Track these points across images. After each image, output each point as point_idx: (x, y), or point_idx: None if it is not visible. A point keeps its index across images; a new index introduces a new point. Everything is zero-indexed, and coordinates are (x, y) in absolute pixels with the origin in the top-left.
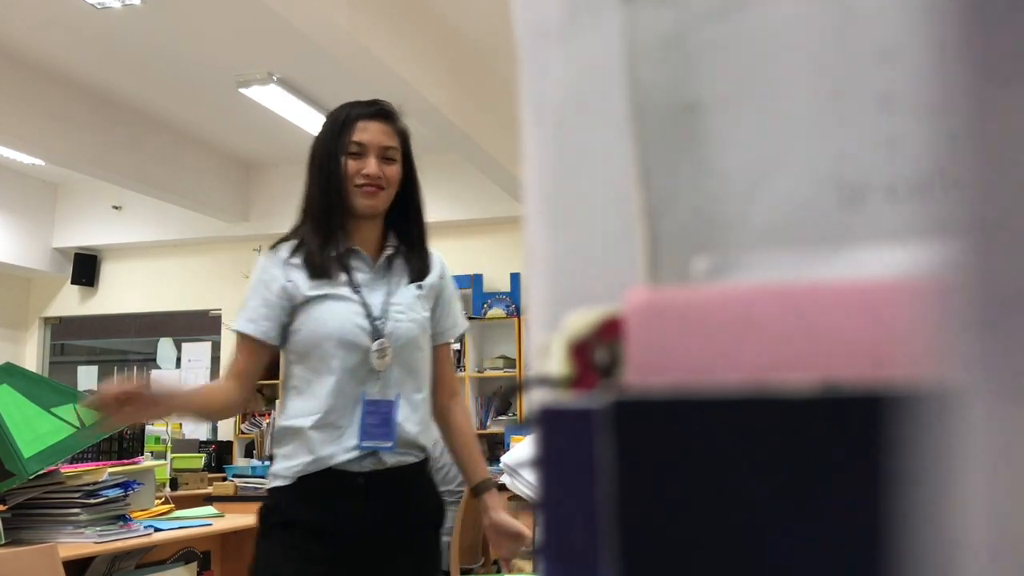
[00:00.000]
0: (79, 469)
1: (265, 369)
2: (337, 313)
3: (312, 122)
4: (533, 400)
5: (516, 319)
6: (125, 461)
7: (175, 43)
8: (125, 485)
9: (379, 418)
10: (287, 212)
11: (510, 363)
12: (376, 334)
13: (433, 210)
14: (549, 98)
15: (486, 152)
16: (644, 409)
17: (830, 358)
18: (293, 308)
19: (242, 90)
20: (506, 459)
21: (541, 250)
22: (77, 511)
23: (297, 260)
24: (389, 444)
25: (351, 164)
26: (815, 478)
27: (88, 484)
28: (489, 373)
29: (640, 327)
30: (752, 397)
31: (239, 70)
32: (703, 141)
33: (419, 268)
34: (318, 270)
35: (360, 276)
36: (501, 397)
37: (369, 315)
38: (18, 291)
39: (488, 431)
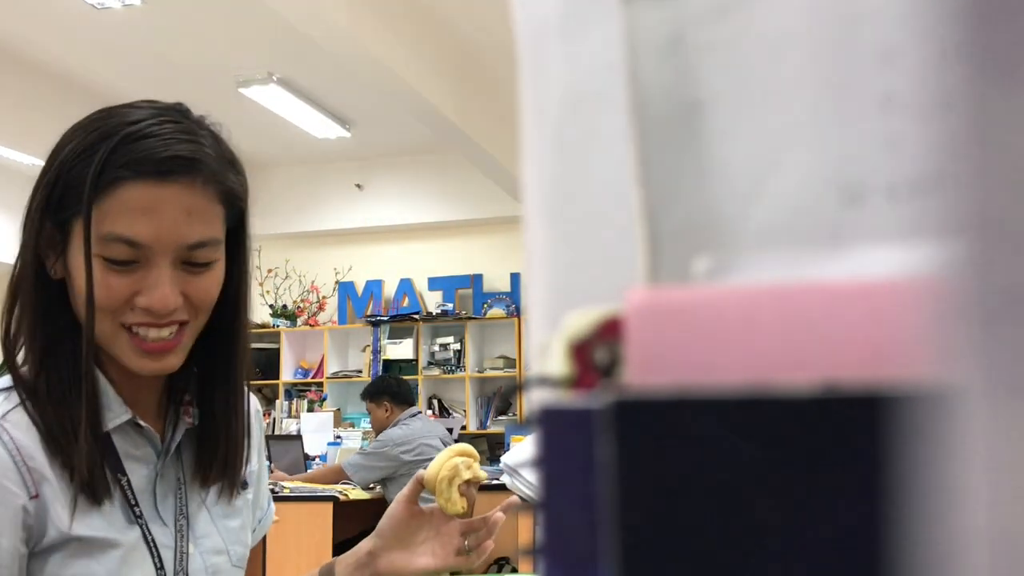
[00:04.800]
0: None
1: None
2: None
3: (312, 122)
4: (533, 400)
5: (516, 319)
6: None
7: (175, 43)
8: None
9: None
10: (287, 212)
11: (510, 363)
12: None
13: (433, 210)
14: (549, 98)
15: (486, 152)
16: (644, 409)
17: (830, 358)
18: (35, 552)
19: (242, 90)
20: (506, 459)
21: (541, 250)
22: None
23: (31, 443)
24: None
25: (111, 281)
26: (815, 478)
27: None
28: (489, 373)
29: (640, 327)
30: (752, 397)
31: (239, 70)
32: (703, 141)
33: (226, 455)
34: (82, 482)
35: (139, 475)
36: (501, 397)
37: (161, 566)
38: None
39: (488, 431)
